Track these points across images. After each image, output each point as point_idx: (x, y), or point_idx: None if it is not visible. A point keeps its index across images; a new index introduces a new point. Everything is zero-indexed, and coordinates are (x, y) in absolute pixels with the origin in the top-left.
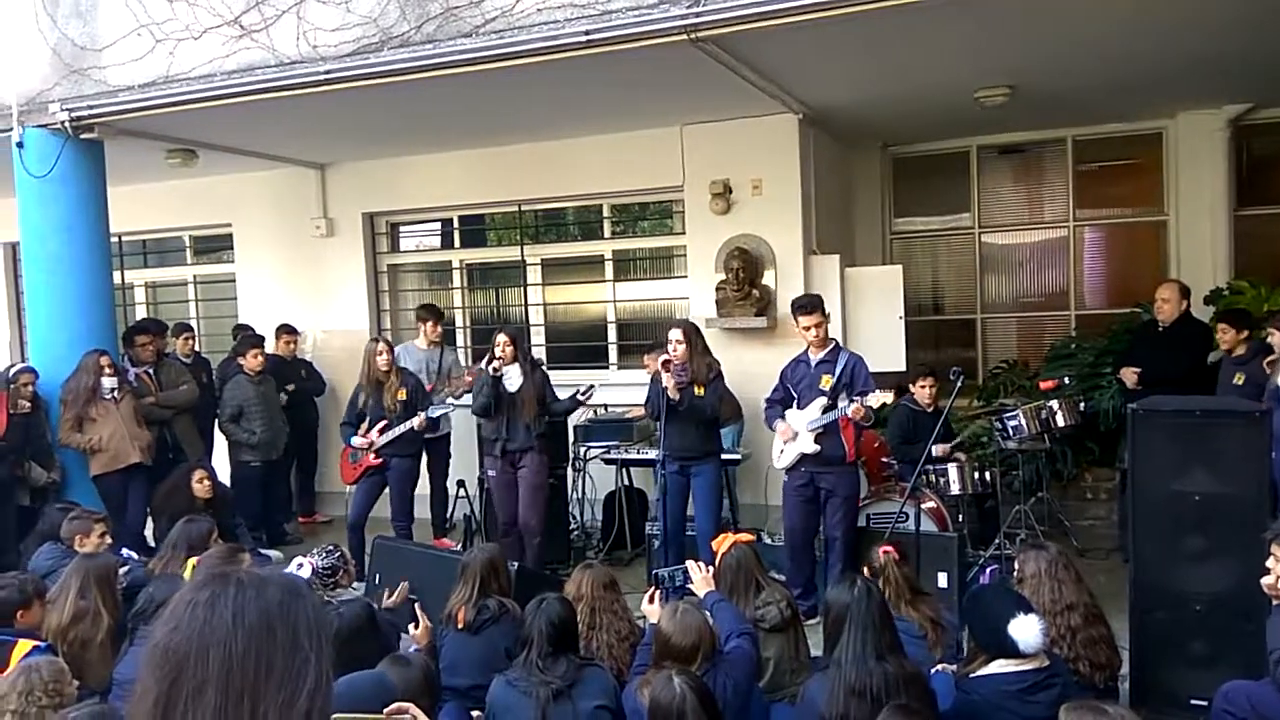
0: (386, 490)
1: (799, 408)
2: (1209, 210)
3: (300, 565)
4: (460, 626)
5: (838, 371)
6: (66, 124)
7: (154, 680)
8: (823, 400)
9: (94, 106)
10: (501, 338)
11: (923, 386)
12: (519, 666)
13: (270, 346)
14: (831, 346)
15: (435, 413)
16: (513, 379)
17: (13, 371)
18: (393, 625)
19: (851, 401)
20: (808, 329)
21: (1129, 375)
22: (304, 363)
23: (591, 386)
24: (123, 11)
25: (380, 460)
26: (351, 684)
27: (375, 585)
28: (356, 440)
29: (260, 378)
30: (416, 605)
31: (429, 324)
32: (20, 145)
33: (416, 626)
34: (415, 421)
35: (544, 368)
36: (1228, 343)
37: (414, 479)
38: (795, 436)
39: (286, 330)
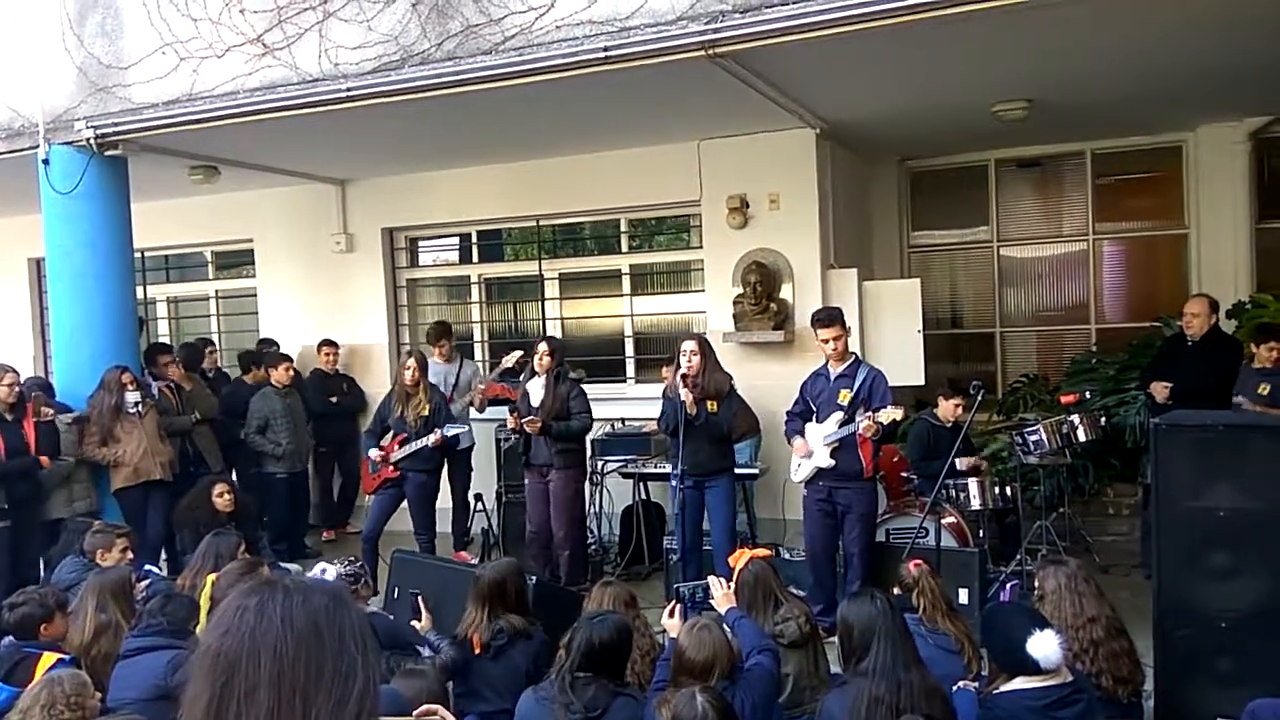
0: (404, 503)
1: (817, 421)
2: (1230, 223)
3: (324, 570)
4: (477, 652)
5: (856, 386)
6: (92, 141)
7: (206, 684)
8: (839, 414)
9: (119, 124)
10: (542, 346)
11: (953, 404)
12: (551, 679)
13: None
14: (851, 360)
15: (451, 431)
16: (536, 393)
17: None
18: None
19: (865, 417)
20: (826, 342)
21: (1160, 390)
22: (346, 378)
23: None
24: (148, 30)
25: (397, 473)
26: None
27: (394, 598)
28: (374, 453)
29: (287, 390)
30: (419, 598)
31: (440, 342)
32: (46, 162)
33: (420, 620)
34: (430, 439)
35: (579, 383)
36: (1274, 360)
37: (432, 494)
38: (811, 454)
39: (328, 344)
